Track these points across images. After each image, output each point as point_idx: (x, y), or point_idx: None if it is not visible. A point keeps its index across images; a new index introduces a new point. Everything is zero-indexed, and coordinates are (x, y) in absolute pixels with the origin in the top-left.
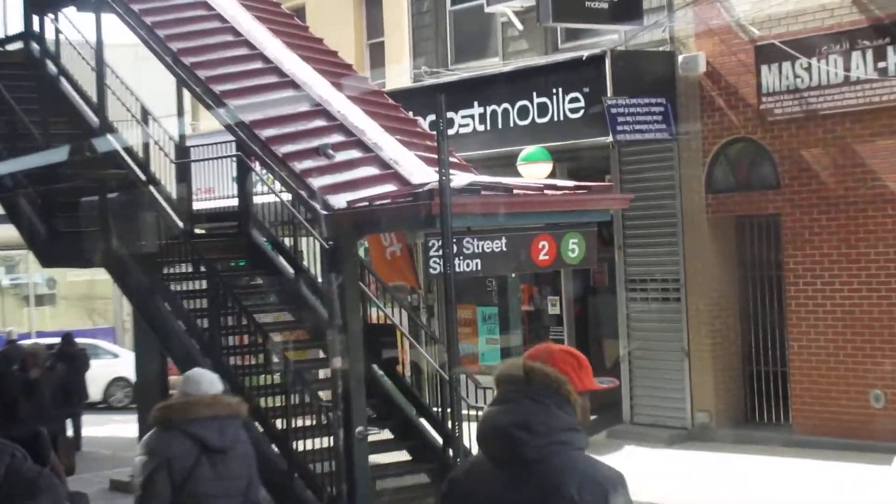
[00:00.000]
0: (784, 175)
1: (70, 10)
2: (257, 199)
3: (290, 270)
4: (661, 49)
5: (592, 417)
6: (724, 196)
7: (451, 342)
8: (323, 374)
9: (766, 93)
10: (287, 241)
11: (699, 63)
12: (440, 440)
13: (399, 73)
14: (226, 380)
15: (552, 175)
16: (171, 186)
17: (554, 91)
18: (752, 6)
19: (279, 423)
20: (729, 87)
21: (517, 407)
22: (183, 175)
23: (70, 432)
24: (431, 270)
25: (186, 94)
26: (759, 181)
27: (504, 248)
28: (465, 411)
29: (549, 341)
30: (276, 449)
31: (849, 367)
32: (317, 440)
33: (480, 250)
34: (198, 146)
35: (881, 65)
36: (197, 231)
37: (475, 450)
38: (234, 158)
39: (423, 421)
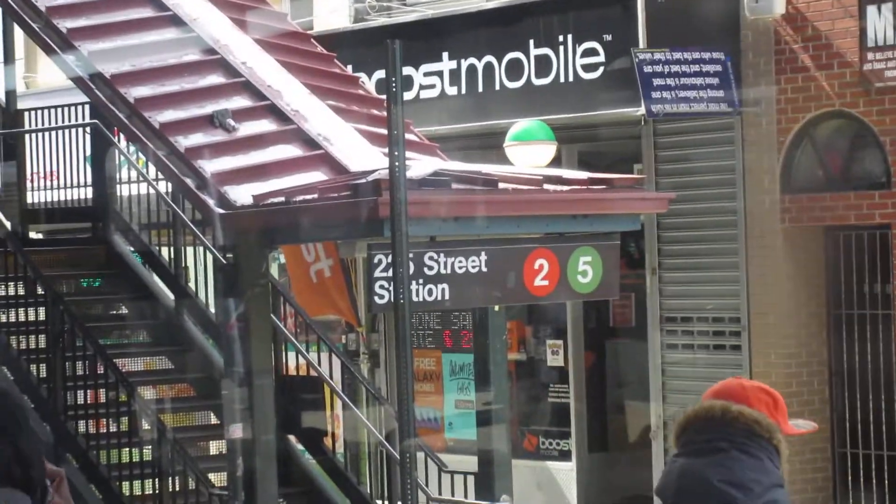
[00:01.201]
0: None
1: None
2: (122, 191)
3: (170, 295)
4: None
5: None
6: (809, 197)
7: (405, 404)
8: (216, 447)
9: (874, 46)
10: (165, 253)
11: (775, 1)
12: None
13: (333, 8)
14: (70, 452)
15: (556, 163)
16: None
17: (560, 39)
18: None
19: None
20: (819, 36)
21: (726, 460)
22: (11, 152)
23: None
24: (377, 300)
25: (18, 32)
26: (862, 176)
27: (484, 269)
28: None
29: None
30: None
31: None
32: None
33: (449, 271)
34: (34, 110)
35: None
36: (32, 235)
37: None
38: (89, 129)
39: None
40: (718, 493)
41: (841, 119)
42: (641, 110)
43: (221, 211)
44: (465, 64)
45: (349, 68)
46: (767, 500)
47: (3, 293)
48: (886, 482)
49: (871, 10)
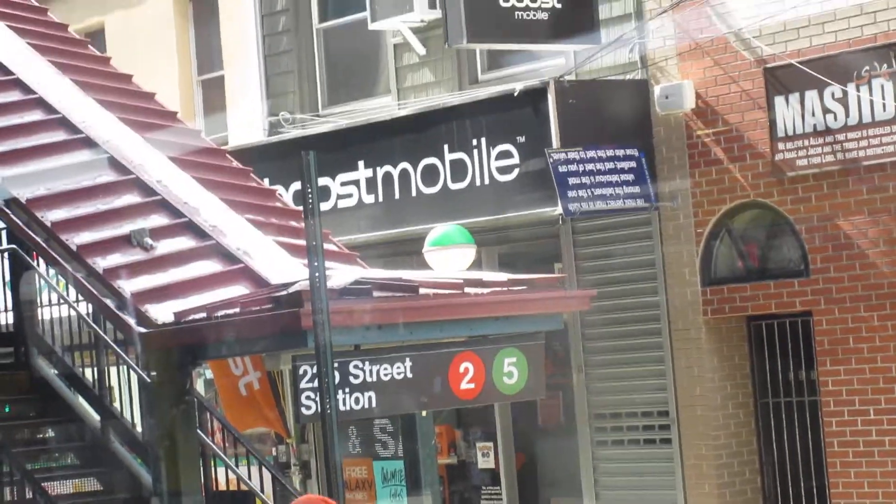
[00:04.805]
0: (815, 255)
1: None
2: (43, 314)
3: (95, 416)
4: (628, 77)
5: None
6: (730, 288)
7: None
8: None
9: (783, 136)
10: (89, 374)
11: (685, 96)
12: None
13: (247, 123)
14: None
15: (476, 266)
16: None
17: (474, 143)
18: (758, 10)
19: None
20: (729, 129)
21: None
22: None
23: None
24: (304, 410)
25: None
26: (780, 265)
27: (409, 375)
28: None
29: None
30: None
31: None
32: None
33: (375, 378)
34: None
35: None
36: None
37: None
38: (7, 254)
39: None
40: None
41: (756, 209)
42: (558, 210)
43: (142, 330)
44: (380, 172)
45: (266, 181)
46: None
47: None
48: None
49: (779, 101)
